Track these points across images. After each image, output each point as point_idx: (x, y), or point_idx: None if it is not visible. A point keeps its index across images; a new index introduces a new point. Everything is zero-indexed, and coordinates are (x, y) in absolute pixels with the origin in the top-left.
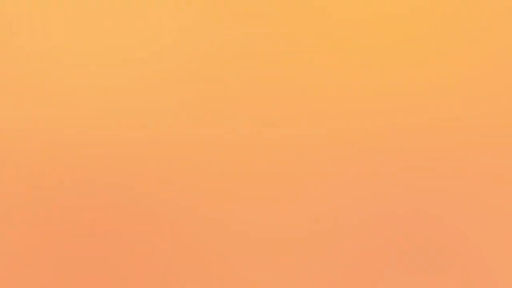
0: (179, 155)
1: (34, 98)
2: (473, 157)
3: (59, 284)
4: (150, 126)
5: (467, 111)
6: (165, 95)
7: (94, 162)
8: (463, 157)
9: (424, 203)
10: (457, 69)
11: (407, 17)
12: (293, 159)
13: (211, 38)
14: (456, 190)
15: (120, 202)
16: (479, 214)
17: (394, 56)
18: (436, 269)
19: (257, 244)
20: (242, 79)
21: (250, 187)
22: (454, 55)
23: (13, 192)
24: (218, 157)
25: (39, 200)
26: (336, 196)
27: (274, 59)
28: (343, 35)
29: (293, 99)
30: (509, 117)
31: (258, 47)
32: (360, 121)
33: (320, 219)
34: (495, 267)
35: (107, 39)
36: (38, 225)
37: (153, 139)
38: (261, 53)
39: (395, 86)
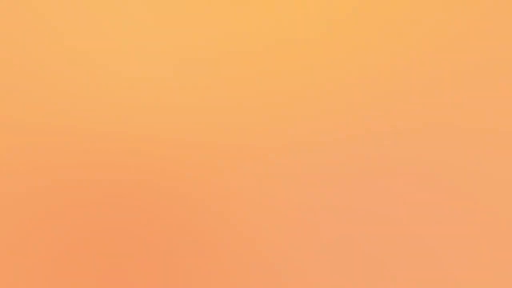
0: (189, 155)
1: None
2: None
3: (62, 283)
4: (160, 125)
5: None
6: (175, 95)
7: (102, 160)
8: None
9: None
10: (454, 70)
11: (404, 17)
12: (295, 158)
13: (215, 38)
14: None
15: (128, 199)
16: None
17: (390, 55)
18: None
19: (263, 241)
20: (247, 77)
21: (257, 186)
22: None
23: (20, 188)
24: (225, 156)
25: (46, 197)
26: (337, 195)
27: (295, 66)
28: (342, 32)
29: (295, 99)
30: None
31: (271, 47)
32: (360, 122)
33: (326, 216)
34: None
35: (123, 38)
36: (45, 223)
37: (163, 138)
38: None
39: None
